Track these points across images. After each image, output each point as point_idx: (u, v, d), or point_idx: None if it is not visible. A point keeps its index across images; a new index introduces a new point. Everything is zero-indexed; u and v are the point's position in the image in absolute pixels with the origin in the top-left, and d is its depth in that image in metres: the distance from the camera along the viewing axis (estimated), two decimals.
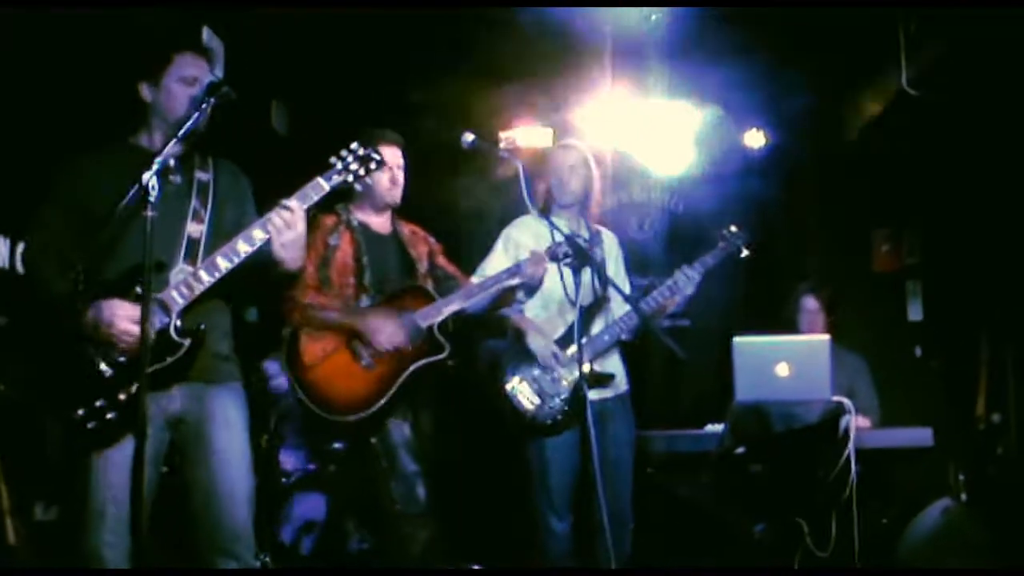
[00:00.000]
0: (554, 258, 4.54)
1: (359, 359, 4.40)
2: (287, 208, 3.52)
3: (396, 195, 4.74)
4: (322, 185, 3.62)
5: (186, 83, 3.60)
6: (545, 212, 4.83)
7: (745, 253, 5.08)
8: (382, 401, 4.33)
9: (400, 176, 4.73)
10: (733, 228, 5.11)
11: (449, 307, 4.53)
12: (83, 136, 3.79)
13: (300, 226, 3.55)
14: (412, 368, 4.42)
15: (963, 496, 5.83)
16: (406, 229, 4.87)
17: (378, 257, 4.65)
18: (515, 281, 4.60)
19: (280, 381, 6.79)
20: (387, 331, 4.41)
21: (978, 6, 5.43)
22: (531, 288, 4.72)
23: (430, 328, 4.48)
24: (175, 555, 4.48)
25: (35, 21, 4.81)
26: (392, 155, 4.66)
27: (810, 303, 6.07)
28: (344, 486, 5.78)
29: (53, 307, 3.48)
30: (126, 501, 3.27)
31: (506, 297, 4.73)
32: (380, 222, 4.77)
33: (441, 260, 4.88)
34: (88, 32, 4.99)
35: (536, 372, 4.71)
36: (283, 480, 5.77)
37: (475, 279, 4.80)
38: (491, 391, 4.73)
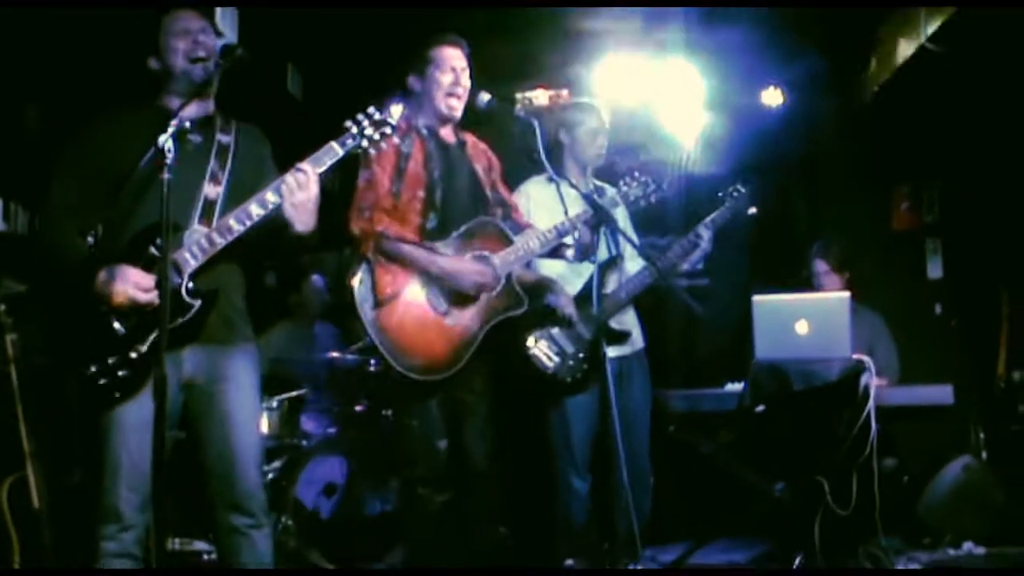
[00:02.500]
0: (587, 224, 4.37)
1: (436, 307, 4.13)
2: (301, 171, 3.52)
3: (455, 106, 4.31)
4: (336, 150, 3.60)
5: (179, 36, 3.62)
6: (559, 171, 4.70)
7: (752, 210, 5.07)
8: (462, 361, 4.08)
9: (465, 80, 4.32)
10: (739, 186, 5.11)
11: (528, 250, 4.27)
12: (100, 105, 3.81)
13: (312, 189, 3.53)
14: (493, 322, 4.17)
15: (983, 454, 5.84)
16: (469, 139, 4.51)
17: (447, 171, 4.30)
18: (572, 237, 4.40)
19: (324, 296, 6.90)
20: (472, 274, 4.15)
21: None
22: (583, 250, 4.47)
23: (508, 276, 4.24)
24: (189, 512, 4.53)
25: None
26: (454, 56, 4.34)
27: (820, 265, 6.07)
28: (365, 449, 5.82)
29: (66, 271, 3.53)
30: (141, 458, 3.32)
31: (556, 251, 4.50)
32: (445, 132, 4.40)
33: (499, 182, 4.59)
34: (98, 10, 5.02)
35: (555, 330, 4.69)
36: (303, 443, 5.80)
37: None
38: (509, 349, 4.69)
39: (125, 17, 4.67)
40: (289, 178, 3.51)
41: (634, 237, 5.04)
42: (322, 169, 3.58)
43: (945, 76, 6.48)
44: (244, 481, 3.57)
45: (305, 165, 3.54)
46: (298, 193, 3.50)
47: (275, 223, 3.55)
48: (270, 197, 3.50)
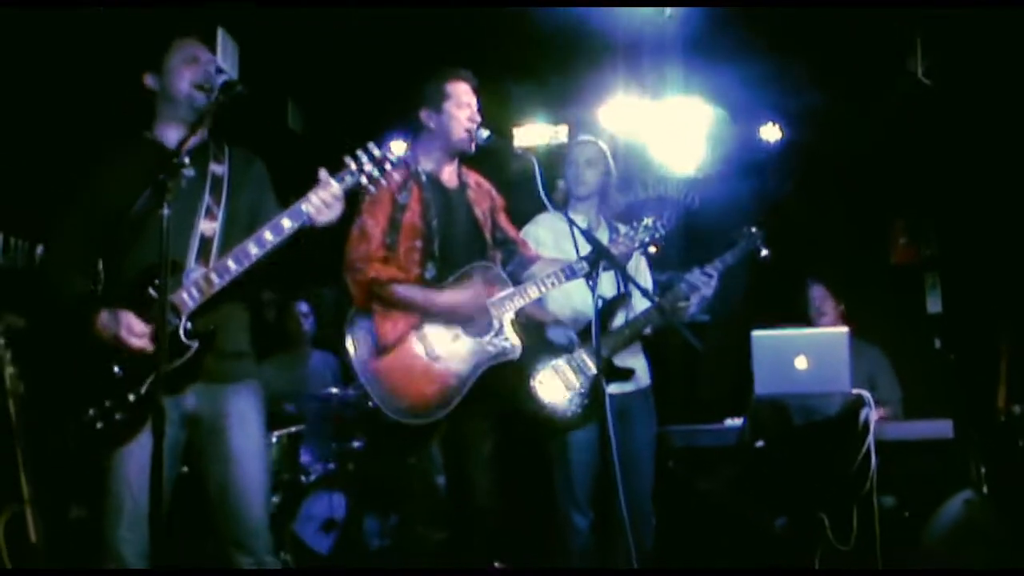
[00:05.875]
0: (587, 260, 4.27)
1: (428, 353, 4.09)
2: (327, 186, 3.44)
3: (470, 140, 4.25)
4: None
5: (187, 62, 3.62)
6: (562, 208, 4.66)
7: (765, 252, 5.02)
8: (451, 404, 4.03)
9: (478, 117, 4.26)
10: (752, 227, 5.06)
11: (525, 296, 4.24)
12: (97, 138, 3.81)
13: (339, 207, 3.48)
14: (484, 367, 4.12)
15: (984, 488, 5.81)
16: (472, 180, 4.44)
17: (447, 220, 4.22)
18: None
19: (311, 320, 6.85)
20: (471, 301, 4.12)
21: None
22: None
23: (501, 321, 4.18)
24: (193, 550, 4.50)
25: (44, 28, 4.86)
26: (466, 92, 4.29)
27: (817, 291, 6.09)
28: (364, 484, 5.80)
29: (67, 311, 3.50)
30: (142, 497, 3.23)
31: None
32: (449, 173, 4.33)
33: (502, 219, 4.51)
34: (94, 37, 5.04)
35: (559, 364, 4.64)
36: (303, 479, 5.79)
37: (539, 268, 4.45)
38: (511, 384, 4.62)
39: (121, 46, 4.70)
40: (314, 198, 3.43)
41: (647, 274, 5.02)
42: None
43: (941, 110, 6.52)
44: (248, 520, 3.53)
45: (331, 182, 3.46)
46: (326, 213, 3.45)
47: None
48: (268, 236, 3.42)
